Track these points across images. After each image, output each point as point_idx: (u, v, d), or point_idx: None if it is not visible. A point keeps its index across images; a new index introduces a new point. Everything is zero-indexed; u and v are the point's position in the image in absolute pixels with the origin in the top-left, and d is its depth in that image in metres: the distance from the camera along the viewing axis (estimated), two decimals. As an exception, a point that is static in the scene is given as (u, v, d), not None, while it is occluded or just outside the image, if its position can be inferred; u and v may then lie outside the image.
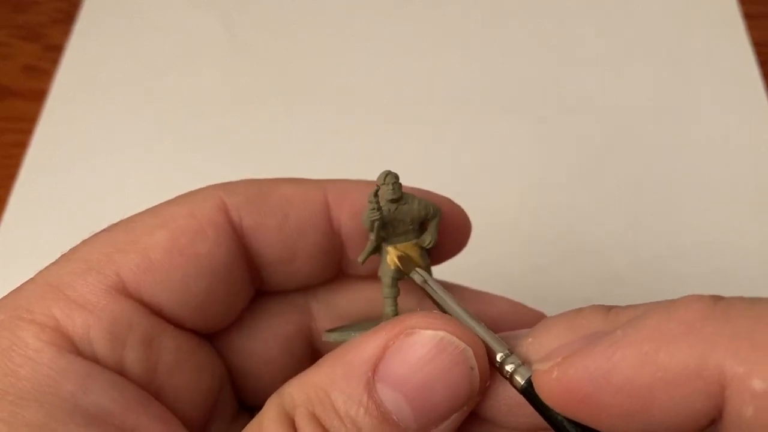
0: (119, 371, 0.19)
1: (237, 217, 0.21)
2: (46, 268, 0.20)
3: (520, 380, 0.18)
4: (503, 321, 0.25)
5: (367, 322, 0.23)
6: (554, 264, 0.40)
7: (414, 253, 0.22)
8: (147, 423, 0.19)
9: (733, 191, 0.43)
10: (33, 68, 0.51)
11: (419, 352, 0.18)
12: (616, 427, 0.17)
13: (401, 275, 0.22)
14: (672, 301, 0.17)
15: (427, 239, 0.22)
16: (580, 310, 0.19)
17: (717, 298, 0.16)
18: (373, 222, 0.21)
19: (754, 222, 0.42)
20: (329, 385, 0.18)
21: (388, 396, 0.18)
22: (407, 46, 0.51)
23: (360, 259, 0.22)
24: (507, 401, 0.19)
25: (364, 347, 0.19)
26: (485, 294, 0.26)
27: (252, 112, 0.48)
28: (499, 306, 0.25)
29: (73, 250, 0.21)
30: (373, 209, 0.21)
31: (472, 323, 0.20)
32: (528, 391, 0.18)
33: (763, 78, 0.47)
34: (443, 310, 0.20)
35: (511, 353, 0.19)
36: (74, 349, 0.19)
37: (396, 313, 0.23)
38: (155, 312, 0.20)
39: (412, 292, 0.24)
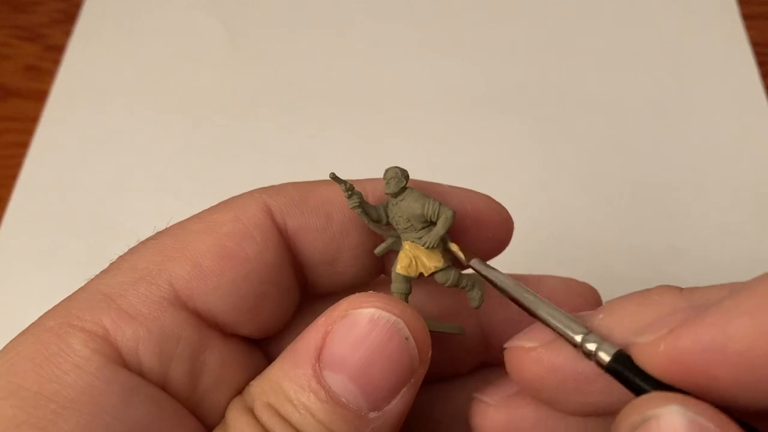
0: (162, 384, 0.19)
1: (281, 219, 0.21)
2: (98, 276, 0.20)
3: (605, 357, 0.18)
4: (556, 299, 0.24)
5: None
6: (554, 264, 0.40)
7: (423, 254, 0.22)
8: None
9: (733, 191, 0.43)
10: (34, 68, 0.51)
11: (354, 331, 0.19)
12: (728, 398, 0.16)
13: (413, 273, 0.22)
14: None
15: (424, 240, 0.22)
16: (647, 291, 0.19)
17: None
18: (354, 210, 0.21)
19: (753, 222, 0.42)
20: (281, 377, 0.19)
21: (334, 380, 0.18)
22: (407, 46, 0.51)
23: (376, 251, 0.22)
24: (576, 378, 0.19)
25: (309, 336, 0.19)
26: (532, 276, 0.26)
27: (252, 111, 0.48)
28: (550, 284, 0.25)
29: (122, 259, 0.21)
30: (347, 197, 0.21)
31: (543, 304, 0.20)
32: (614, 368, 0.18)
33: (762, 78, 0.47)
34: (510, 297, 0.20)
35: (590, 332, 0.18)
36: (121, 360, 0.19)
37: None
38: (208, 320, 0.20)
39: (423, 287, 0.24)
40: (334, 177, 0.21)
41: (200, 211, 0.22)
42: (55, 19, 0.54)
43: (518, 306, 0.20)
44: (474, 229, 0.23)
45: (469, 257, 0.22)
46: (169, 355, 0.19)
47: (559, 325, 0.19)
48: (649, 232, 0.42)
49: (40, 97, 0.49)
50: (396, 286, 0.22)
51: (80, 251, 0.42)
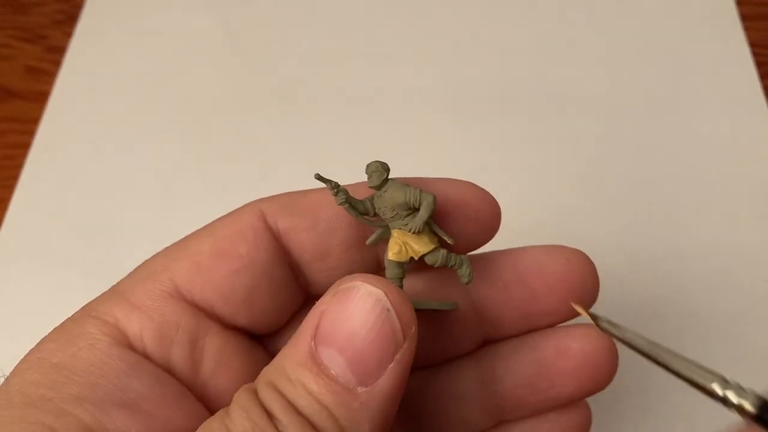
0: (166, 367, 0.22)
1: (273, 222, 0.23)
2: (119, 281, 0.23)
3: (750, 408, 0.18)
4: (540, 270, 0.25)
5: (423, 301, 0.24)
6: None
7: (411, 239, 0.23)
8: (180, 418, 0.21)
9: (732, 191, 0.43)
10: (35, 69, 0.52)
11: (341, 306, 0.20)
12: None
13: (404, 258, 0.23)
14: None
15: (410, 226, 0.23)
16: None
17: None
18: (342, 206, 0.23)
19: (753, 222, 0.42)
20: (284, 358, 0.20)
21: (325, 354, 0.20)
22: (406, 46, 0.51)
23: (368, 241, 0.24)
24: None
25: (308, 318, 0.20)
26: (512, 249, 0.26)
27: (253, 111, 0.48)
28: (532, 254, 0.26)
29: (140, 265, 0.23)
30: (333, 195, 0.23)
31: (676, 357, 0.20)
32: (762, 417, 0.18)
33: (761, 78, 0.48)
34: (642, 353, 0.21)
35: (726, 380, 0.19)
36: (128, 343, 0.21)
37: None
38: (207, 311, 0.23)
39: (416, 271, 0.25)
40: (319, 177, 0.23)
41: (201, 215, 0.24)
42: (56, 20, 0.54)
43: (652, 361, 0.21)
44: (460, 216, 0.24)
45: (448, 241, 0.23)
46: (170, 340, 0.22)
47: (695, 376, 0.19)
48: (648, 232, 0.42)
49: (41, 98, 0.49)
50: (390, 272, 0.23)
51: (80, 251, 0.42)
